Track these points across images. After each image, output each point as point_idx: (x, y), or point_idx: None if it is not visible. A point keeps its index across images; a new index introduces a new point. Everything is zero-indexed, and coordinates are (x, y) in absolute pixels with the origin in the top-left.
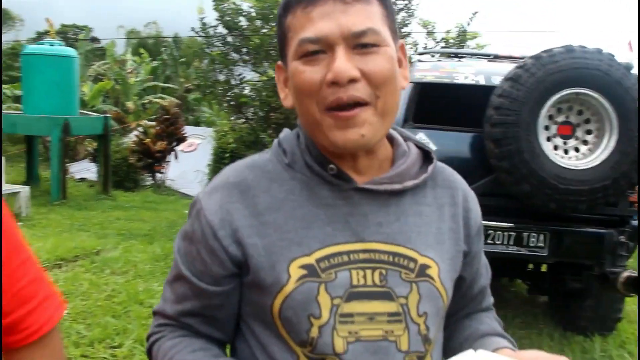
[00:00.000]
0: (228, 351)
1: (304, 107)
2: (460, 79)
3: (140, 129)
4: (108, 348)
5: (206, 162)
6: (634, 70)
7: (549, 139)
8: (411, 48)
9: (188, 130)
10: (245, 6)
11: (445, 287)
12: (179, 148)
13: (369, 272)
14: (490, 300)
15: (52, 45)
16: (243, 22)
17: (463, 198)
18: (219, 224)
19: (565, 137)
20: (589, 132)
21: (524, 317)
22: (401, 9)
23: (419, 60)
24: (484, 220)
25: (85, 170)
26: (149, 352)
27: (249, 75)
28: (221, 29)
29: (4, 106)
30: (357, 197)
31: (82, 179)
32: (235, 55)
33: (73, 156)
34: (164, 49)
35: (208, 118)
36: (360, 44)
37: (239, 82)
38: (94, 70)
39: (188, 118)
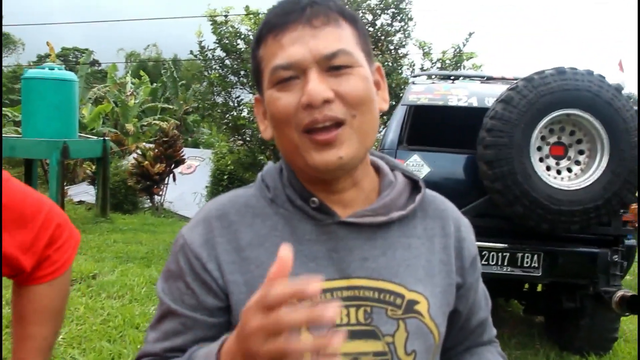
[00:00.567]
0: None
1: (282, 134)
2: (453, 101)
3: (139, 151)
4: None
5: (204, 184)
6: (625, 92)
7: (541, 160)
8: (408, 69)
9: (187, 152)
10: (243, 29)
11: (435, 322)
12: (177, 170)
13: (352, 310)
14: (492, 332)
15: (52, 69)
16: (241, 45)
17: (455, 228)
18: (207, 257)
19: (558, 158)
20: (581, 152)
21: (520, 337)
22: (397, 31)
23: (413, 83)
24: (477, 241)
25: (83, 192)
26: None
27: (247, 97)
28: (219, 52)
29: (4, 129)
30: (341, 232)
31: (81, 202)
32: (233, 78)
33: (72, 179)
34: (163, 71)
35: (207, 139)
36: (332, 66)
37: (236, 104)
38: (94, 92)
39: (187, 140)
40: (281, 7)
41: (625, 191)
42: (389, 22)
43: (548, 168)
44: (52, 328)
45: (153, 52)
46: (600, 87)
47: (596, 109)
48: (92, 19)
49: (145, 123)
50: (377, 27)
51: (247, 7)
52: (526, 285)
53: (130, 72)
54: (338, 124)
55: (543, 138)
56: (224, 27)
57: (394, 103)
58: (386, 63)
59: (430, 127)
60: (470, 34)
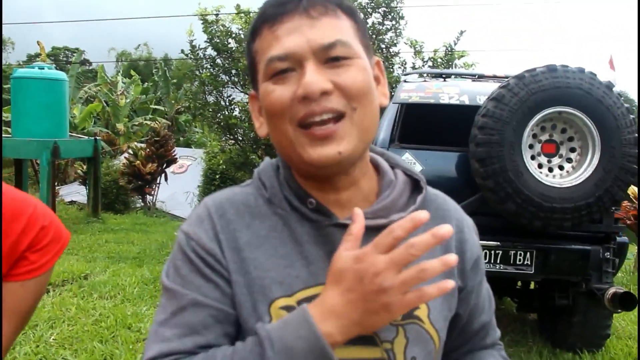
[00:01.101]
0: None
1: (277, 128)
2: (445, 99)
3: (130, 151)
4: None
5: (196, 183)
6: (615, 89)
7: (533, 158)
8: (399, 67)
9: (178, 151)
10: (234, 28)
11: (436, 328)
12: (169, 170)
13: None
14: (495, 335)
15: (42, 68)
16: (232, 44)
17: (457, 229)
18: (220, 253)
19: (549, 155)
20: (572, 149)
21: (513, 334)
22: (389, 29)
23: (404, 81)
24: None
25: (75, 193)
26: None
27: (239, 96)
28: (210, 51)
29: None
30: (339, 234)
31: (72, 202)
32: (224, 77)
33: (63, 179)
34: (155, 70)
35: (199, 139)
36: (331, 57)
37: (228, 103)
38: (85, 92)
39: (179, 139)
40: None
41: (617, 188)
42: (380, 20)
43: (540, 166)
44: (14, 328)
45: (144, 52)
46: (592, 85)
47: (587, 106)
48: (82, 18)
49: (136, 123)
50: (368, 26)
51: (237, 6)
52: (519, 283)
53: (121, 71)
54: (337, 118)
55: (535, 136)
56: (215, 26)
57: None
58: None
59: (421, 125)
60: (461, 32)
